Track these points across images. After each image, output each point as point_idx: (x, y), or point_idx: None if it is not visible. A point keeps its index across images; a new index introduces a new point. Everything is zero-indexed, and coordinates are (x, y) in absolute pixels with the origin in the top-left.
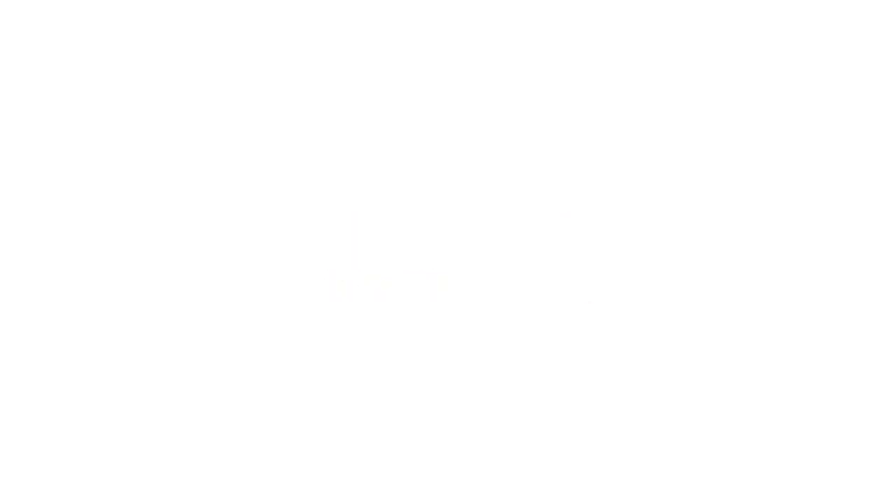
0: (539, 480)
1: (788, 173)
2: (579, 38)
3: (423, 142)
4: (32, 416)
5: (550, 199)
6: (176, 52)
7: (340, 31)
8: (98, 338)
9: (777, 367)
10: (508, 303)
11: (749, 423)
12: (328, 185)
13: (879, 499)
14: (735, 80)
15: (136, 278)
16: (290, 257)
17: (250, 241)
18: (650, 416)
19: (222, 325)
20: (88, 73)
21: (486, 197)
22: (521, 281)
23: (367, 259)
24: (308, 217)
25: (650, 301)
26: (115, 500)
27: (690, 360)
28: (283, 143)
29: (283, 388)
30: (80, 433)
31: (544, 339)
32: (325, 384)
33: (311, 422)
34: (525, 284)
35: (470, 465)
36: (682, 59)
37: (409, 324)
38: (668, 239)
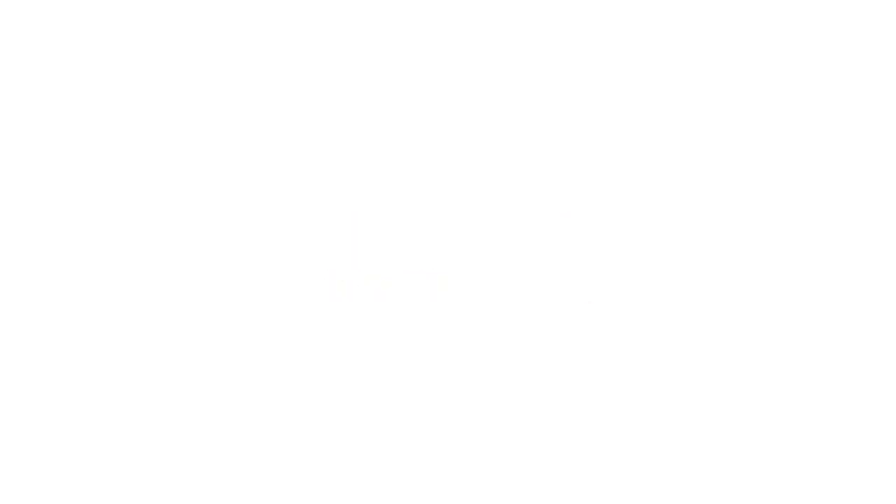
0: (539, 480)
1: (788, 173)
2: (579, 38)
3: (423, 142)
4: (32, 416)
5: (550, 199)
6: (175, 52)
7: (340, 31)
8: (98, 337)
9: (777, 367)
10: (508, 303)
11: (749, 422)
12: (328, 186)
13: (879, 499)
14: (735, 80)
15: (137, 278)
16: (290, 257)
17: (250, 241)
18: (650, 416)
19: (222, 324)
20: (88, 73)
21: (486, 197)
22: (521, 281)
23: (367, 259)
24: (308, 217)
25: (650, 301)
26: (115, 500)
27: (690, 360)
28: (283, 143)
29: (283, 387)
30: (80, 433)
31: (544, 339)
32: (325, 384)
33: (312, 421)
34: (525, 284)
35: (470, 464)
36: (683, 59)
37: (409, 324)
38: (668, 239)
